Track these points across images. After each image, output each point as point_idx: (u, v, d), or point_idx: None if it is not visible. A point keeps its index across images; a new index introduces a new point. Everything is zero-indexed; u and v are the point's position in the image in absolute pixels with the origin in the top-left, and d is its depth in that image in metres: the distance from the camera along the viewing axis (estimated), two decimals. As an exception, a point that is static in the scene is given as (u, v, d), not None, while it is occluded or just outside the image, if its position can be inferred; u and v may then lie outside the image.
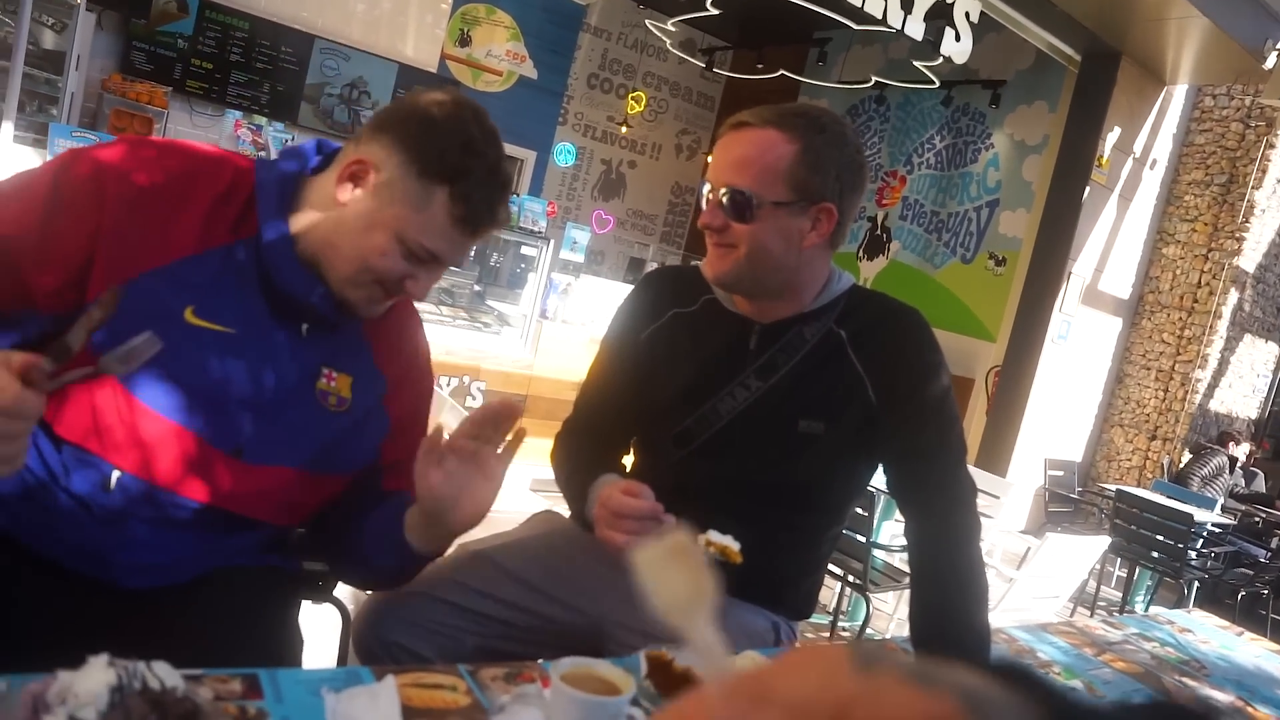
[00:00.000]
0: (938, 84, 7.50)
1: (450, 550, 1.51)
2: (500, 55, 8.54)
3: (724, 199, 1.38)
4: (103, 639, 0.79)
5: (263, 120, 5.52)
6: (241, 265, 1.17)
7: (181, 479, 1.15)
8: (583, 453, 1.55)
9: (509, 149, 1.24)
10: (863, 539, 3.22)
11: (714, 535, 1.25)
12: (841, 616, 3.76)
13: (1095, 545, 3.27)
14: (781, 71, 8.77)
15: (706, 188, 1.42)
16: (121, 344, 0.95)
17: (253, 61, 6.73)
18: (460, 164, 1.14)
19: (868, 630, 3.43)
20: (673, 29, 8.43)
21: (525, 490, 4.79)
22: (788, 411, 1.45)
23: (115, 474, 1.12)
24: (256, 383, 1.17)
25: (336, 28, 7.01)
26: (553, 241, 4.50)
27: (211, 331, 1.14)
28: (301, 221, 1.18)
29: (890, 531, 3.89)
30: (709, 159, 1.50)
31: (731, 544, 1.24)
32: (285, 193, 1.19)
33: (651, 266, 7.32)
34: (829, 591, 3.95)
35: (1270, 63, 6.36)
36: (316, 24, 6.94)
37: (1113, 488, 5.83)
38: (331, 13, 6.98)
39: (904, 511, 1.47)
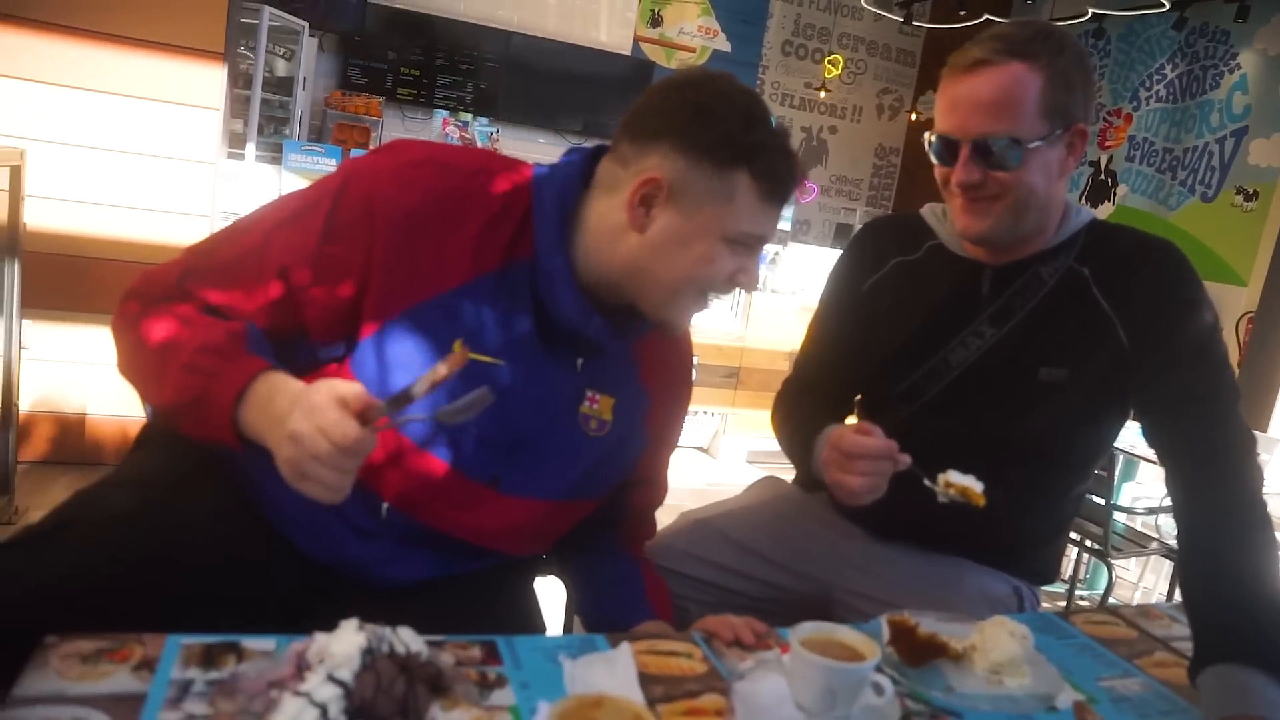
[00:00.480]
0: (1168, 6, 6.81)
1: (673, 519, 1.51)
2: (693, 32, 8.52)
3: (980, 150, 1.26)
4: (355, 611, 0.83)
5: (468, 117, 5.75)
6: (514, 290, 1.12)
7: (439, 512, 1.15)
8: (804, 409, 1.48)
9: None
10: (1102, 501, 3.00)
11: (954, 476, 1.17)
12: (1079, 584, 3.52)
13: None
14: (986, 16, 8.25)
15: (948, 140, 1.29)
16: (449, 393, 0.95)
17: (457, 64, 7.04)
18: (751, 140, 1.07)
19: (1110, 599, 3.19)
20: (866, -17, 8.13)
21: (742, 462, 4.79)
22: (1027, 359, 1.33)
23: (384, 506, 1.13)
24: (521, 414, 1.14)
25: (532, 21, 7.21)
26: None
27: (480, 364, 1.07)
28: (584, 245, 1.12)
29: (1131, 494, 3.61)
30: (926, 110, 1.40)
31: (974, 485, 1.16)
32: (565, 216, 1.13)
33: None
34: (1065, 559, 3.71)
35: None
36: (513, 20, 7.16)
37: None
38: (527, 8, 7.19)
39: (1169, 465, 1.29)
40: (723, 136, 1.06)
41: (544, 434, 1.15)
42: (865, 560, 1.42)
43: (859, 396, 1.54)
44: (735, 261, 1.11)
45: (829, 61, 9.51)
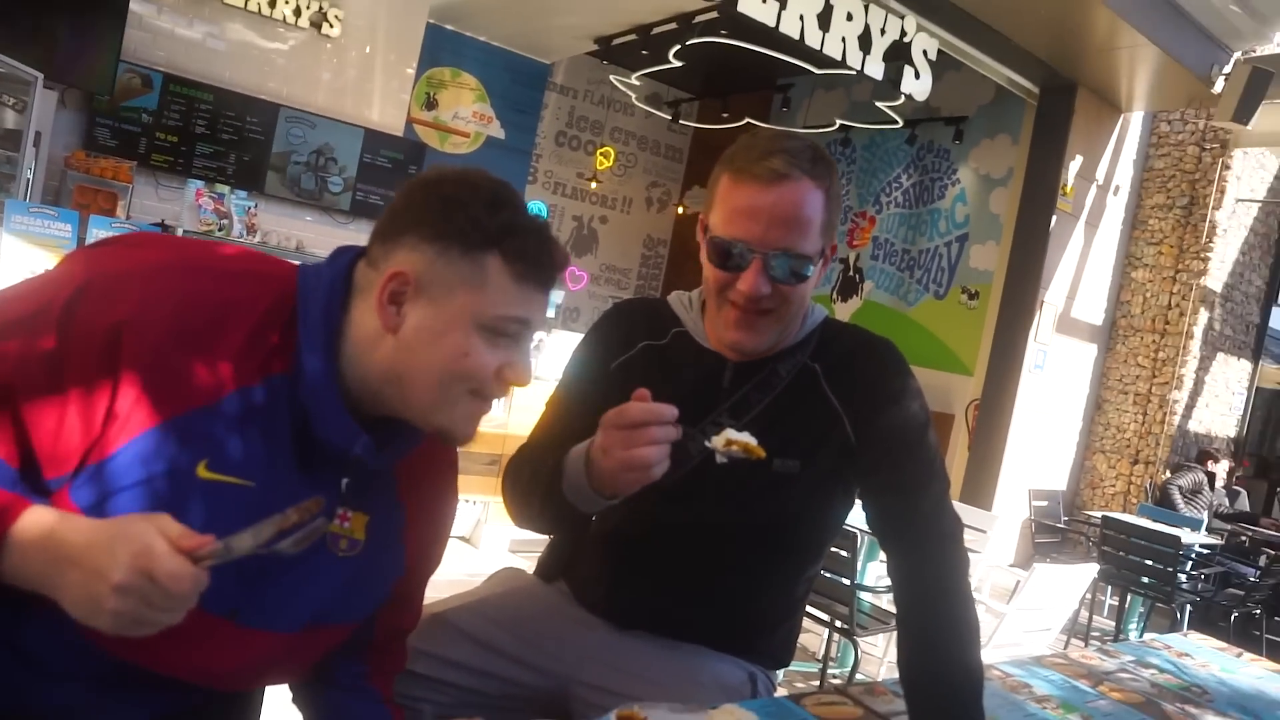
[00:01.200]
0: (901, 123, 7.60)
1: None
2: (467, 117, 8.60)
3: (776, 265, 1.27)
4: None
5: (224, 189, 5.46)
6: (272, 408, 1.00)
7: (164, 651, 0.99)
8: (540, 460, 1.39)
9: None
10: (847, 582, 3.17)
11: (732, 433, 1.17)
12: (831, 662, 3.69)
13: (1084, 573, 3.24)
14: (747, 119, 8.87)
15: (735, 247, 1.28)
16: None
17: (218, 133, 6.73)
18: (499, 221, 1.01)
19: (857, 675, 3.36)
20: (637, 83, 8.53)
21: (505, 551, 4.72)
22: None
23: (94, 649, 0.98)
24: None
25: (302, 96, 7.04)
26: (524, 297, 4.47)
27: (226, 485, 0.98)
28: (348, 356, 1.03)
29: (875, 573, 3.83)
30: (694, 203, 1.43)
31: (750, 440, 1.16)
32: (331, 327, 1.02)
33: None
34: (816, 638, 3.88)
35: (1218, 86, 6.49)
36: (282, 93, 6.97)
37: (1098, 515, 5.81)
38: (297, 82, 7.02)
39: (887, 549, 1.39)
40: (469, 221, 1.00)
41: (290, 560, 0.95)
42: (604, 652, 1.41)
43: None
44: (499, 354, 1.03)
45: (601, 153, 9.87)
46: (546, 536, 1.57)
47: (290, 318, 1.02)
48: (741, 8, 5.04)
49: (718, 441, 1.18)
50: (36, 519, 0.85)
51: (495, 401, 1.08)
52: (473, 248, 1.00)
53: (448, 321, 1.00)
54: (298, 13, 6.90)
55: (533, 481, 1.35)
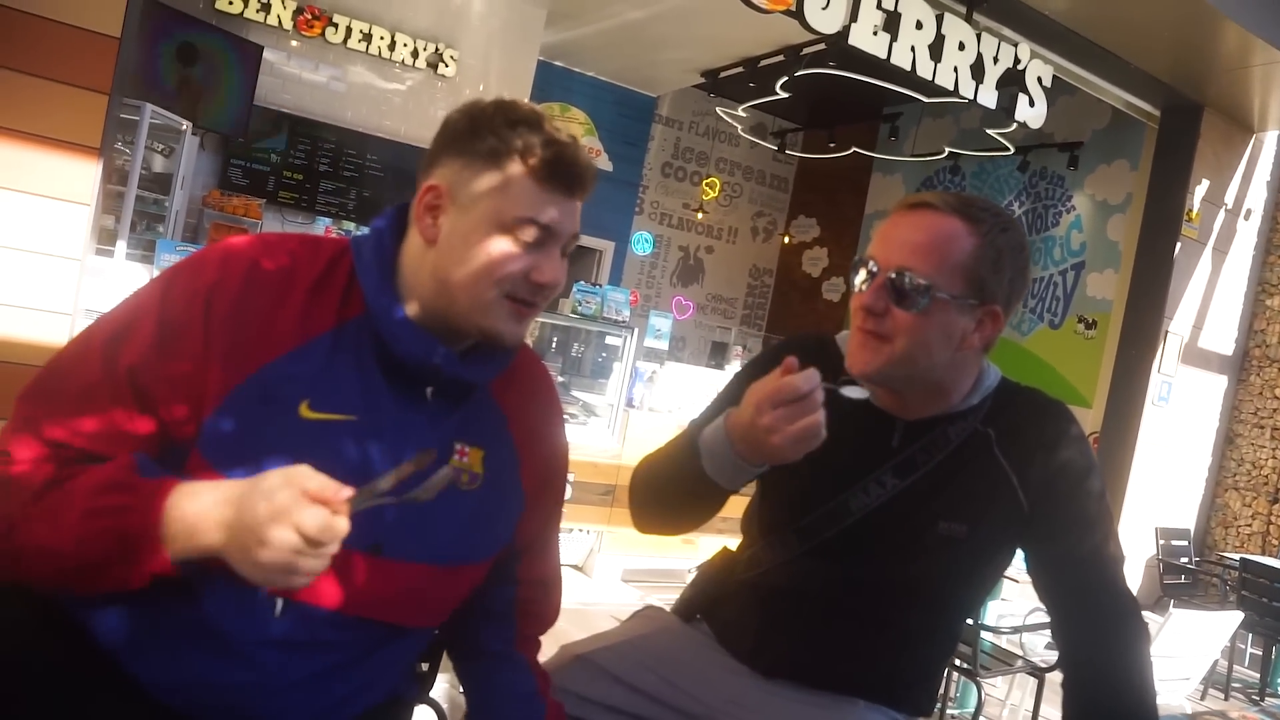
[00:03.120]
0: (1013, 150, 7.44)
1: (553, 652, 1.47)
2: (575, 150, 8.75)
3: (893, 281, 1.25)
4: None
5: (351, 225, 5.70)
6: (353, 345, 1.10)
7: (325, 590, 1.06)
8: (675, 452, 1.37)
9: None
10: (970, 621, 3.09)
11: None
12: (951, 704, 3.59)
13: (1228, 622, 3.08)
14: (854, 149, 8.83)
15: (870, 266, 1.28)
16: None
17: (340, 170, 7.04)
18: (515, 132, 1.08)
19: (979, 718, 3.26)
20: (743, 115, 8.58)
21: (617, 581, 4.74)
22: (927, 512, 1.34)
23: (279, 602, 1.04)
24: (387, 469, 1.05)
25: (418, 133, 7.29)
26: (636, 330, 4.54)
27: (331, 423, 1.07)
28: (406, 284, 1.13)
29: (996, 612, 3.73)
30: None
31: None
32: (385, 262, 1.13)
33: (735, 350, 7.30)
34: (940, 677, 3.78)
35: (1361, 105, 6.16)
36: (399, 131, 7.23)
37: (1235, 557, 5.51)
38: (414, 119, 7.28)
39: (1060, 617, 1.36)
40: (493, 133, 1.08)
41: (414, 488, 1.04)
42: (750, 698, 1.40)
43: (754, 525, 1.51)
44: (527, 257, 1.09)
45: (706, 184, 9.93)
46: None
47: (351, 272, 1.13)
48: (852, 41, 5.02)
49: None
50: (185, 489, 0.95)
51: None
52: (496, 155, 1.08)
53: (475, 223, 1.08)
54: (415, 54, 7.17)
55: (668, 464, 1.35)
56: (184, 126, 5.75)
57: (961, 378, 1.36)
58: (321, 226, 5.22)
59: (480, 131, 1.10)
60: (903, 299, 1.25)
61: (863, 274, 1.29)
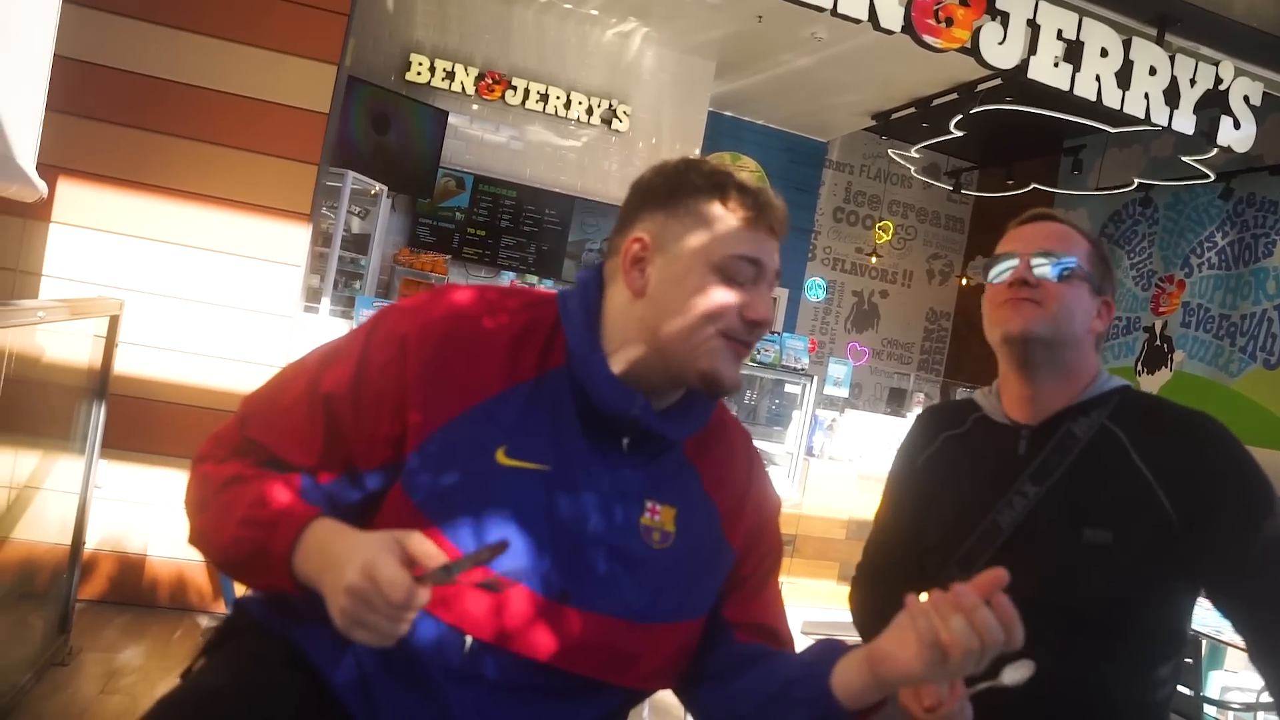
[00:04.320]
0: (1213, 177, 6.95)
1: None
2: (745, 198, 8.82)
3: (1037, 261, 1.42)
4: None
5: (533, 279, 5.94)
6: (552, 396, 1.13)
7: (513, 633, 1.08)
8: (880, 602, 1.47)
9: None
10: (1190, 692, 2.85)
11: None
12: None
13: None
14: (1033, 185, 8.49)
15: (1007, 259, 1.45)
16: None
17: (520, 225, 7.34)
18: (715, 178, 1.14)
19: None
20: (916, 155, 8.42)
21: (797, 633, 4.65)
22: (1069, 519, 1.35)
23: (468, 640, 1.07)
24: (577, 519, 1.11)
25: (594, 187, 7.53)
26: (815, 378, 4.49)
27: (525, 470, 1.09)
28: (611, 339, 1.16)
29: (1220, 683, 3.41)
30: (977, 275, 1.48)
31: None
32: (590, 315, 1.17)
33: (918, 397, 7.12)
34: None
35: None
36: (576, 186, 7.49)
37: None
38: (589, 174, 7.53)
39: (1247, 638, 1.30)
40: (690, 184, 1.14)
41: (604, 541, 1.11)
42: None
43: (924, 575, 1.52)
44: (740, 295, 1.12)
45: (880, 227, 9.77)
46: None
47: (555, 320, 1.17)
48: (1032, 74, 4.85)
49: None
50: (322, 524, 1.01)
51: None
52: (696, 201, 1.13)
53: (685, 268, 1.12)
54: (590, 111, 7.43)
55: (866, 632, 1.52)
56: (378, 190, 6.16)
57: (1085, 364, 1.45)
58: (506, 280, 5.46)
59: (677, 184, 1.15)
60: (1049, 271, 1.42)
61: (1002, 265, 1.46)
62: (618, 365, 1.15)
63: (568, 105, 7.37)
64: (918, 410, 6.06)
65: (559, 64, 7.34)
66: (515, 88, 7.22)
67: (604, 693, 1.16)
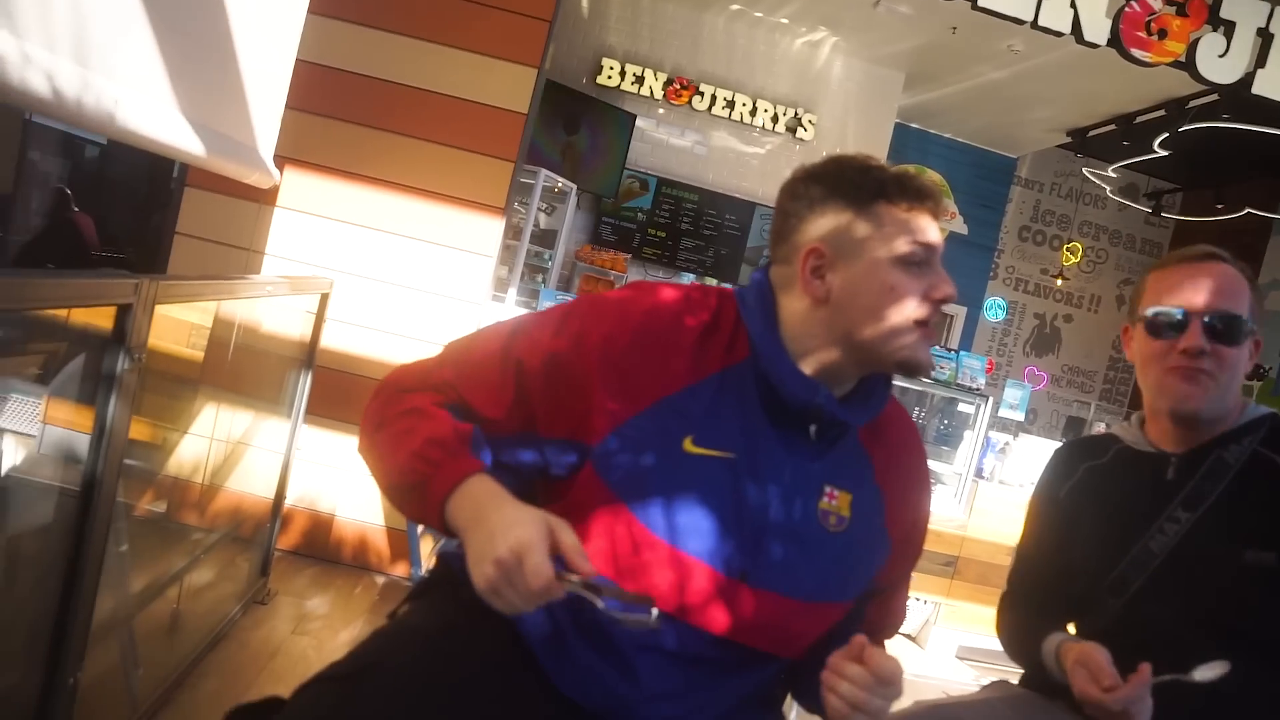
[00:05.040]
0: None
1: (905, 704, 1.48)
2: (928, 212, 8.63)
3: (1212, 322, 1.39)
4: None
5: (712, 281, 6.03)
6: (737, 388, 1.19)
7: (694, 608, 1.15)
8: (1028, 621, 1.53)
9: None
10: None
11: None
12: None
13: None
14: (1247, 209, 7.91)
15: (1176, 314, 1.42)
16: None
17: (700, 228, 7.46)
18: (873, 176, 1.19)
19: None
20: (1113, 175, 8.02)
21: (951, 657, 4.53)
22: (1229, 542, 1.34)
23: (654, 612, 1.09)
24: (759, 504, 1.17)
25: (775, 194, 7.52)
26: (990, 399, 4.38)
27: (711, 458, 1.16)
28: (792, 343, 1.21)
29: None
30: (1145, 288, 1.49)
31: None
32: (769, 311, 1.23)
33: (1098, 428, 6.79)
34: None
35: None
36: (757, 192, 7.53)
37: None
38: (771, 181, 7.55)
39: None
40: (850, 185, 1.18)
41: (784, 525, 1.18)
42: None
43: (1073, 605, 1.53)
44: (921, 281, 1.17)
45: (1068, 249, 9.34)
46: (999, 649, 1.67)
47: (736, 316, 1.23)
48: (1257, 89, 4.52)
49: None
50: (481, 480, 1.10)
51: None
52: (863, 203, 1.18)
53: (868, 269, 1.17)
54: (775, 119, 7.45)
55: (1018, 655, 1.56)
56: (565, 187, 6.40)
57: (1235, 402, 1.46)
58: (686, 280, 5.58)
59: (834, 186, 1.21)
60: (1221, 336, 1.39)
61: (1170, 319, 1.43)
62: (808, 368, 1.21)
63: (753, 112, 7.42)
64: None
65: (746, 71, 7.40)
66: (702, 93, 7.33)
67: (769, 664, 1.25)
